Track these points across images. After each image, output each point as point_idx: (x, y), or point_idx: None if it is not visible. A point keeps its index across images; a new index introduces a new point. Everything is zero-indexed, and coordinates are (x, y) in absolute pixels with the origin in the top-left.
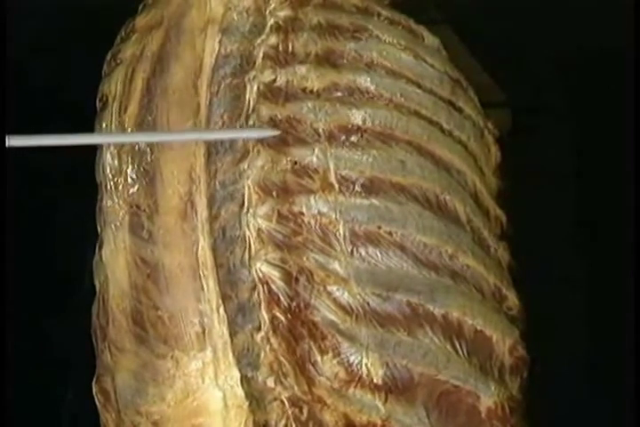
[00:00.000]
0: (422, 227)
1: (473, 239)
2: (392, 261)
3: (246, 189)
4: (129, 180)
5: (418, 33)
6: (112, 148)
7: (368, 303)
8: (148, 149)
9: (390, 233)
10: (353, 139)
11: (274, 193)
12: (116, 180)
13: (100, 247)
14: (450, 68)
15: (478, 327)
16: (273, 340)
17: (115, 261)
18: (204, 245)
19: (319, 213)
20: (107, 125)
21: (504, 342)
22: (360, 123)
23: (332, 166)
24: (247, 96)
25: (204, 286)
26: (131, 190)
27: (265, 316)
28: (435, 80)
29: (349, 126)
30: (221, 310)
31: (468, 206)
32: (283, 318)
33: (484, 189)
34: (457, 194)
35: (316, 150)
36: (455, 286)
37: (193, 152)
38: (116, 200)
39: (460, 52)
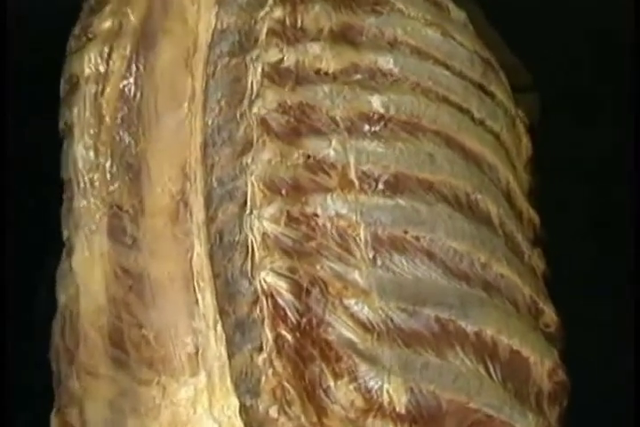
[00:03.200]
0: (453, 231)
1: (506, 245)
2: (419, 270)
3: (249, 186)
4: (108, 175)
5: (443, 6)
6: (86, 137)
7: (392, 319)
8: (132, 140)
9: (417, 238)
10: (375, 129)
11: (283, 191)
12: (91, 176)
13: (69, 255)
14: (480, 47)
15: (514, 347)
16: (277, 362)
17: (88, 270)
18: (199, 251)
19: (337, 214)
20: (79, 111)
21: (542, 365)
22: (383, 110)
23: (351, 161)
24: (249, 79)
25: (199, 299)
26: (110, 188)
27: (268, 334)
28: (465, 61)
29: (371, 114)
30: (219, 327)
31: (501, 207)
32: (289, 337)
33: (516, 187)
34: (489, 193)
35: (334, 142)
36: (489, 300)
37: (187, 143)
38: (92, 200)
39: (485, 29)
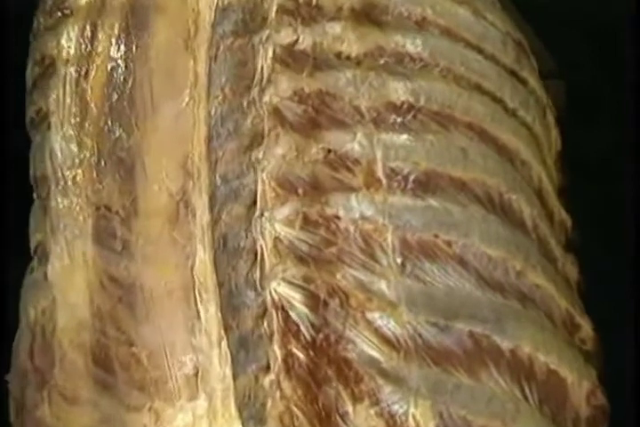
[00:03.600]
0: (487, 236)
1: (540, 251)
2: (451, 279)
3: (259, 184)
4: (94, 172)
5: None
6: (67, 128)
7: (420, 335)
8: (123, 131)
9: (449, 243)
10: (404, 120)
11: (299, 190)
12: (73, 172)
13: (43, 263)
14: (512, 28)
15: (552, 366)
16: (285, 384)
17: (68, 280)
18: (203, 258)
19: (361, 216)
20: (58, 97)
21: (580, 387)
22: (412, 100)
23: (378, 156)
24: (258, 63)
25: (201, 312)
26: (97, 186)
27: (276, 352)
28: (497, 43)
29: (399, 104)
30: (224, 344)
31: (535, 208)
32: (301, 355)
33: (548, 185)
34: (523, 192)
35: (359, 135)
36: (525, 312)
37: (189, 135)
38: (74, 200)
39: (509, 8)
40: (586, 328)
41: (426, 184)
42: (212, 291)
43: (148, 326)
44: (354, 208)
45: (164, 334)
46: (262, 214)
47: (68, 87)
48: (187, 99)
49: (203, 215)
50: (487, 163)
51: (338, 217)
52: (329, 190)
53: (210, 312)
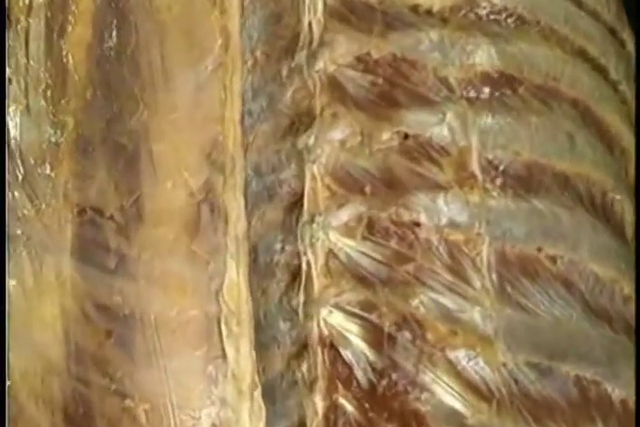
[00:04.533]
0: (597, 249)
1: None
2: (557, 307)
3: (307, 181)
4: (76, 162)
5: None
6: (32, 99)
7: (516, 381)
8: (123, 109)
9: (553, 259)
10: (503, 96)
11: (365, 189)
12: (42, 160)
13: None
14: None
15: None
16: None
17: (30, 309)
18: (235, 279)
19: (450, 223)
20: (17, 59)
21: None
22: (514, 69)
23: (474, 143)
24: (304, 17)
25: (228, 351)
26: (80, 182)
27: (317, 405)
28: None
29: (497, 75)
30: (257, 394)
31: (633, 212)
32: (350, 408)
33: (634, 182)
34: (624, 192)
35: (449, 116)
36: (633, 350)
37: (217, 114)
38: (45, 199)
39: None
40: None
41: (527, 181)
42: (247, 323)
43: (150, 370)
44: (440, 212)
45: (173, 381)
46: (312, 220)
47: (32, 47)
48: (210, 66)
49: (238, 221)
50: (596, 153)
51: (418, 224)
52: (407, 189)
53: (242, 352)
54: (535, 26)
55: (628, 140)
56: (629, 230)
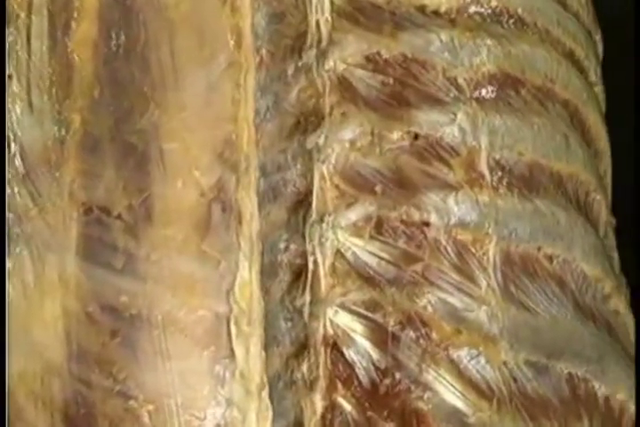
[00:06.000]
0: (587, 249)
1: (613, 267)
2: (554, 306)
3: (316, 180)
4: (83, 161)
5: None
6: (35, 96)
7: (515, 379)
8: (132, 107)
9: (550, 258)
10: (508, 97)
11: (376, 188)
12: (46, 158)
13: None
14: None
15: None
16: None
17: (33, 307)
18: (247, 278)
19: (459, 223)
20: (19, 56)
21: None
22: (517, 70)
23: (483, 144)
24: (311, 16)
25: (237, 351)
26: (87, 180)
27: (317, 404)
28: None
29: (502, 76)
30: (265, 394)
31: (608, 212)
32: (349, 407)
33: (609, 183)
34: (602, 192)
35: (460, 116)
36: (618, 349)
37: (229, 112)
38: (50, 197)
39: None
40: None
41: (530, 181)
42: (259, 322)
43: (156, 371)
44: (451, 212)
45: (179, 381)
46: (322, 220)
47: (35, 44)
48: (224, 64)
49: (252, 221)
50: (585, 154)
51: (427, 224)
52: (417, 188)
53: (252, 351)
54: (533, 28)
55: (604, 141)
56: (602, 230)
